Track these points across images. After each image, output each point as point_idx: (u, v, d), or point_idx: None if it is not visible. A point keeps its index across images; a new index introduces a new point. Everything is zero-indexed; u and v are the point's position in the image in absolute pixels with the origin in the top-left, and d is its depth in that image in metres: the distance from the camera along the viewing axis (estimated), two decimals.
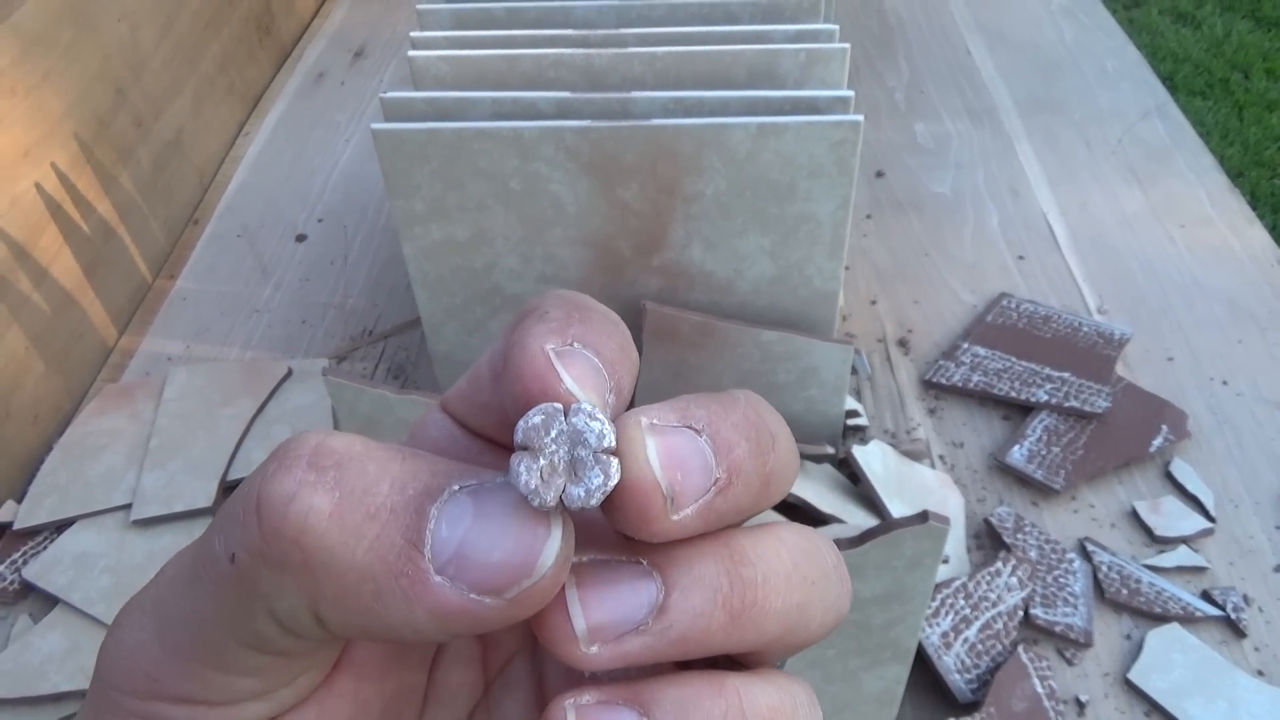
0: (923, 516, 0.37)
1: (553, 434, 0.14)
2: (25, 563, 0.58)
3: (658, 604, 0.15)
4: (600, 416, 0.14)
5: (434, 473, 0.14)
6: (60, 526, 0.60)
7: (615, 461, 0.14)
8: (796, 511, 0.53)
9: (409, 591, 0.13)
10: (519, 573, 0.13)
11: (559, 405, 0.14)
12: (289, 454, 0.14)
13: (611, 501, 0.14)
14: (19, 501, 0.62)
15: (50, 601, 0.56)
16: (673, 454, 0.14)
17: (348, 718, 0.17)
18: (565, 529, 0.14)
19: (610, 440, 0.14)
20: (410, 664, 0.18)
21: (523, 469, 0.14)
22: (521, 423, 0.14)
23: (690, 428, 0.15)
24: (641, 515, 0.14)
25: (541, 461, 0.14)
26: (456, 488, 0.14)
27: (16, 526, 0.60)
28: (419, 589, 0.13)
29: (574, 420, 0.14)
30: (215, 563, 0.14)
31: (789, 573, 0.15)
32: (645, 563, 0.15)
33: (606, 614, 0.15)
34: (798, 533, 0.16)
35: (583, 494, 0.14)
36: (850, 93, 0.49)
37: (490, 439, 0.18)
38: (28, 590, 0.57)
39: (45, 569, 0.57)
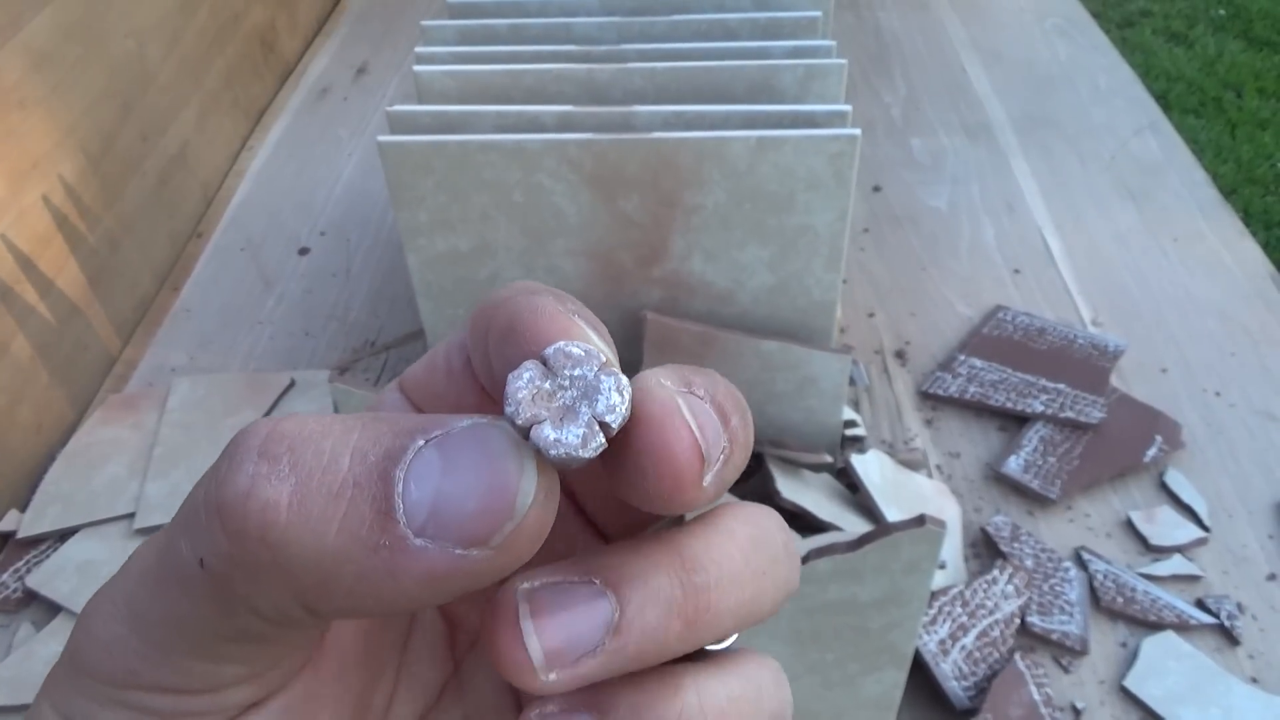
0: (919, 520, 0.38)
1: (577, 371, 0.13)
2: (28, 571, 0.59)
3: (614, 624, 0.14)
4: (625, 394, 0.13)
5: (396, 433, 0.13)
6: (63, 535, 0.61)
7: (600, 440, 0.13)
8: (796, 520, 0.54)
9: (391, 564, 0.12)
10: (499, 516, 0.13)
11: (602, 357, 0.13)
12: (240, 447, 0.13)
13: (644, 466, 0.13)
14: (22, 510, 0.62)
15: (53, 610, 0.57)
16: (699, 418, 0.14)
17: (332, 699, 0.16)
18: (543, 465, 0.13)
19: (616, 420, 0.13)
20: (387, 643, 0.18)
21: (525, 378, 0.13)
22: (561, 344, 0.13)
23: (695, 394, 0.14)
24: (678, 481, 0.14)
25: (547, 384, 0.13)
26: (421, 443, 0.13)
27: (20, 535, 0.60)
28: (401, 558, 0.12)
29: (603, 378, 0.13)
30: (184, 567, 0.13)
31: (740, 570, 0.15)
32: (598, 581, 0.14)
33: (562, 640, 0.14)
34: (747, 520, 0.16)
35: (550, 440, 0.13)
36: (848, 107, 0.50)
37: None
38: (31, 598, 0.58)
39: (48, 577, 0.58)
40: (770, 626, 0.43)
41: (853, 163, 0.50)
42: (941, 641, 0.53)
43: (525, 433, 0.13)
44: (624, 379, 0.13)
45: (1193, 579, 0.57)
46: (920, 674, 0.52)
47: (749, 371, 0.56)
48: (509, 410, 0.13)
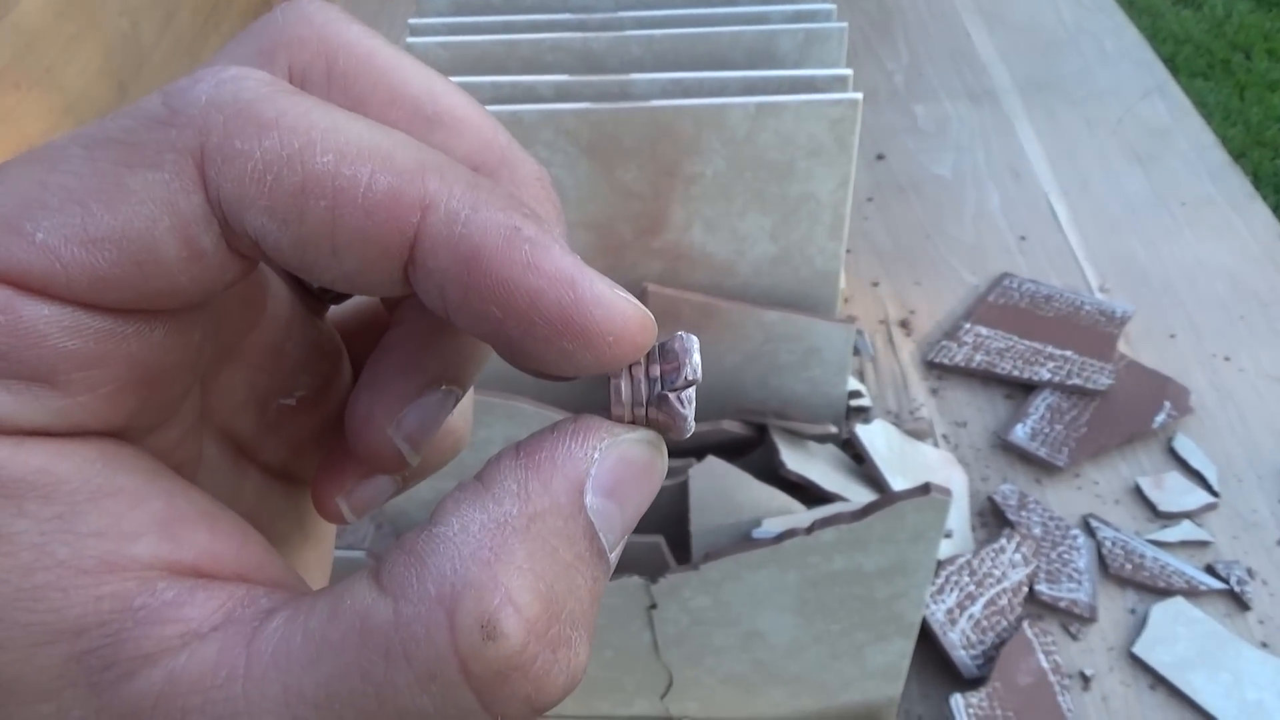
0: (925, 489, 0.38)
1: (691, 363, 0.15)
2: None
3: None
4: (694, 349, 0.15)
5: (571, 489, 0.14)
6: None
7: (673, 398, 0.15)
8: (801, 491, 0.54)
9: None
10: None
11: (697, 372, 0.15)
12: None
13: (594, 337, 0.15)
14: None
15: None
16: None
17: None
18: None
19: (700, 372, 0.15)
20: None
21: (624, 384, 0.15)
22: (694, 360, 0.15)
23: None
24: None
25: (639, 374, 0.15)
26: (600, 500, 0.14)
27: None
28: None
29: (686, 378, 0.15)
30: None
31: None
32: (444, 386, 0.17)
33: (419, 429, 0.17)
34: None
35: (689, 428, 0.15)
36: (849, 71, 0.49)
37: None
38: None
39: None
40: (776, 597, 0.43)
41: (854, 128, 0.49)
42: (949, 610, 0.53)
43: (634, 419, 0.15)
44: (685, 339, 0.15)
45: (1202, 545, 0.57)
46: (928, 643, 0.52)
47: (751, 343, 0.55)
48: (617, 412, 0.15)
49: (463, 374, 0.17)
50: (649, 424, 0.15)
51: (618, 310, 0.14)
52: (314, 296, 0.19)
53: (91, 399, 0.13)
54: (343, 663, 0.12)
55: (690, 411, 0.15)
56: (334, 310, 0.20)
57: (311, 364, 0.18)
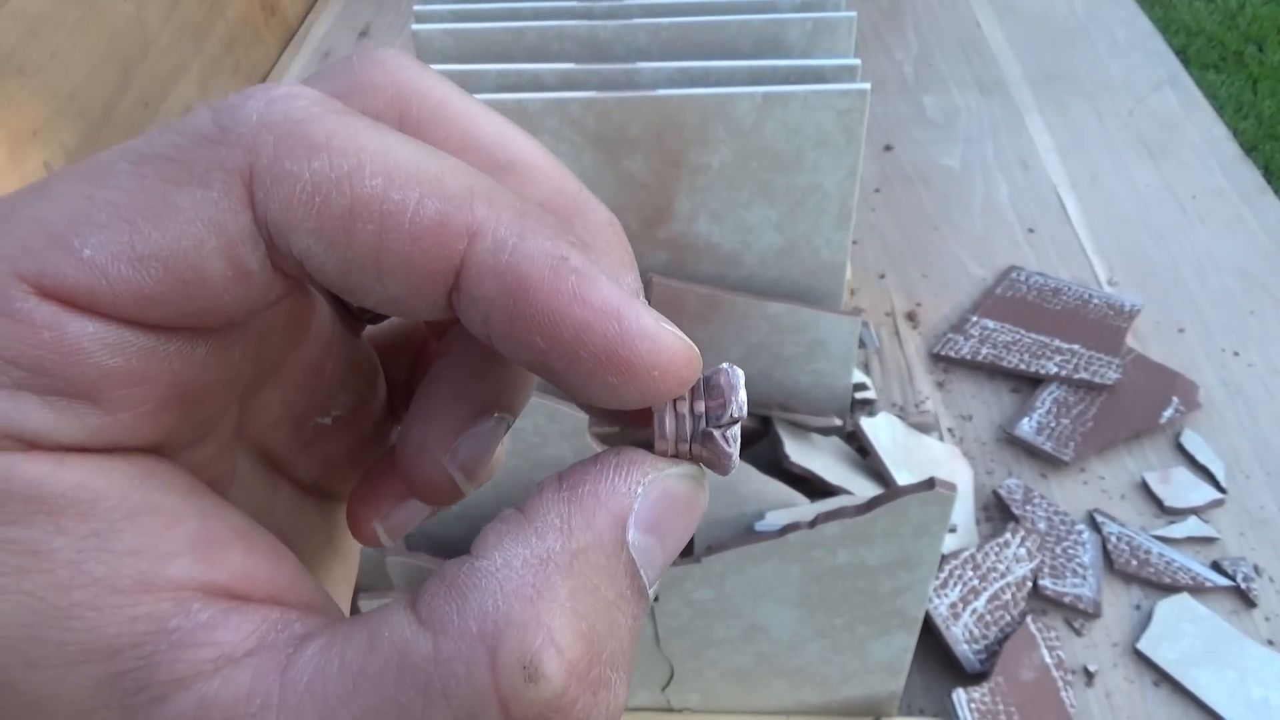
0: (929, 483, 0.37)
1: (737, 400, 0.15)
2: None
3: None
4: (740, 383, 0.15)
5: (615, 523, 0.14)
6: None
7: (718, 434, 0.15)
8: (805, 484, 0.53)
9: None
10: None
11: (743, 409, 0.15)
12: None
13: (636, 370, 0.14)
14: None
15: None
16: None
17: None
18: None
19: (745, 409, 0.15)
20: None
21: (669, 418, 0.15)
22: (740, 396, 0.15)
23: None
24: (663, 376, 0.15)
25: (684, 409, 0.15)
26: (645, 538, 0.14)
27: None
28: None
29: (732, 415, 0.15)
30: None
31: None
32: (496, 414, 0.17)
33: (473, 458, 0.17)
34: None
35: (731, 463, 0.15)
36: (857, 61, 0.49)
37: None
38: None
39: None
40: (779, 590, 0.43)
41: (862, 118, 0.48)
42: (953, 605, 0.53)
43: (679, 453, 0.15)
44: (731, 374, 0.15)
45: (1209, 541, 0.57)
46: (931, 637, 0.52)
47: (757, 334, 0.55)
48: (661, 447, 0.15)
49: (514, 400, 0.17)
50: (692, 459, 0.15)
51: (663, 344, 0.14)
52: (352, 315, 0.19)
53: (131, 416, 0.13)
54: (380, 696, 0.12)
55: (735, 450, 0.15)
56: (369, 329, 0.20)
57: (349, 383, 0.18)
